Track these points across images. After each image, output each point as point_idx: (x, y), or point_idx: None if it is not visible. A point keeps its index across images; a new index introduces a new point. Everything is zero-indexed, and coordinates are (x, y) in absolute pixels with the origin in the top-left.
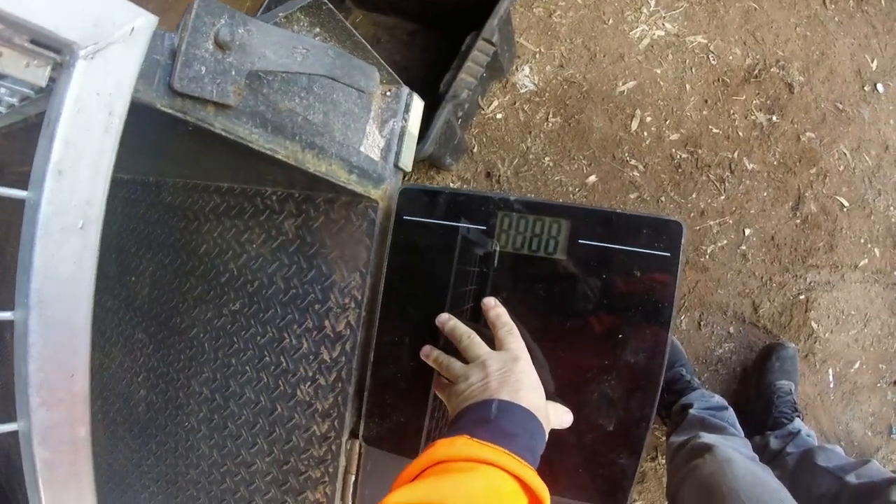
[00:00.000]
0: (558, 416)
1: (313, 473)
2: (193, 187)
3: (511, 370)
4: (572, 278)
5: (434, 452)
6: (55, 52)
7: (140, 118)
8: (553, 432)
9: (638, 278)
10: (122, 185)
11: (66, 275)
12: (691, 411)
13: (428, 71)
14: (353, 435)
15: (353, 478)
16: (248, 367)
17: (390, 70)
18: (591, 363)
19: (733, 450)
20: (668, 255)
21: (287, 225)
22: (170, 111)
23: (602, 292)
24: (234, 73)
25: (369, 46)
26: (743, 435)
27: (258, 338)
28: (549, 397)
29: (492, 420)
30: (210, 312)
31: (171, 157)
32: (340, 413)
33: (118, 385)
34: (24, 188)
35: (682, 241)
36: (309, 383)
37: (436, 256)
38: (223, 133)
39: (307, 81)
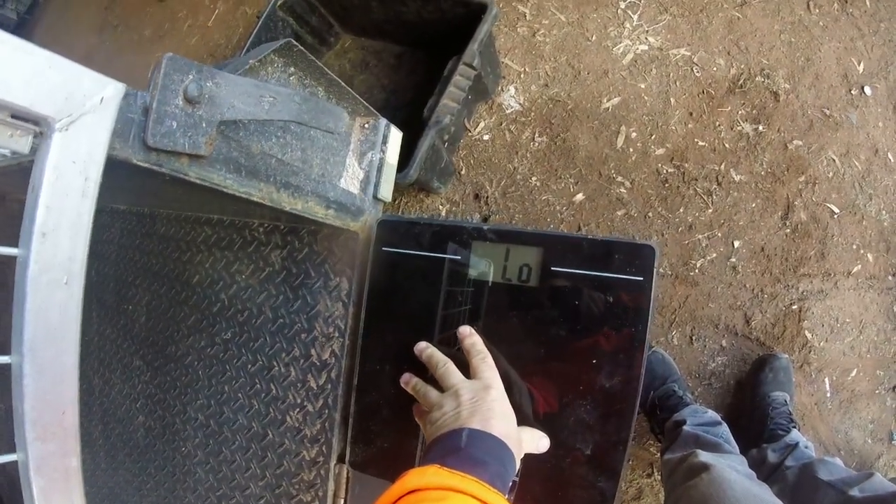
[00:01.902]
0: (534, 441)
1: (304, 497)
2: (185, 218)
3: (483, 399)
4: (546, 305)
5: (406, 482)
6: (34, 123)
7: (124, 167)
8: (533, 457)
9: (611, 303)
10: (118, 215)
11: (54, 324)
12: (685, 428)
13: (416, 93)
14: (341, 460)
15: (342, 502)
16: (240, 395)
17: (367, 104)
18: (567, 388)
19: (730, 468)
20: (641, 279)
21: (273, 256)
22: (146, 165)
23: (576, 318)
24: (204, 125)
25: (343, 83)
26: (738, 451)
27: (249, 366)
28: (526, 422)
29: (462, 448)
30: (203, 341)
31: (160, 194)
32: (328, 438)
33: (118, 411)
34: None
35: (655, 264)
36: (297, 410)
37: (414, 286)
38: (198, 181)
39: (283, 121)
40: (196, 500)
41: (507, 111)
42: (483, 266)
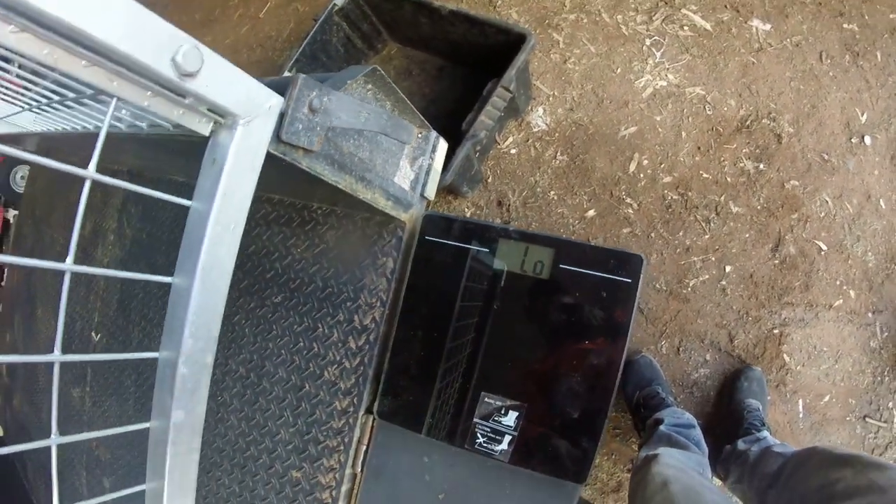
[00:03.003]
0: None
1: (330, 443)
2: None
3: None
4: (554, 294)
5: None
6: (220, 116)
7: None
8: (531, 415)
9: (604, 298)
10: (175, 185)
11: (219, 256)
12: (661, 427)
13: (455, 105)
14: (369, 411)
15: (364, 447)
16: (283, 351)
17: (423, 119)
18: (563, 362)
19: (677, 459)
20: (630, 281)
21: (329, 235)
22: (276, 153)
23: (575, 307)
24: (318, 128)
25: (408, 101)
26: (706, 454)
27: (295, 326)
28: (528, 387)
29: None
30: (253, 302)
31: None
32: (360, 391)
33: (154, 362)
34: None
35: (642, 271)
36: (335, 366)
37: (449, 270)
38: (307, 169)
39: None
40: (224, 445)
41: (535, 129)
42: (507, 259)
